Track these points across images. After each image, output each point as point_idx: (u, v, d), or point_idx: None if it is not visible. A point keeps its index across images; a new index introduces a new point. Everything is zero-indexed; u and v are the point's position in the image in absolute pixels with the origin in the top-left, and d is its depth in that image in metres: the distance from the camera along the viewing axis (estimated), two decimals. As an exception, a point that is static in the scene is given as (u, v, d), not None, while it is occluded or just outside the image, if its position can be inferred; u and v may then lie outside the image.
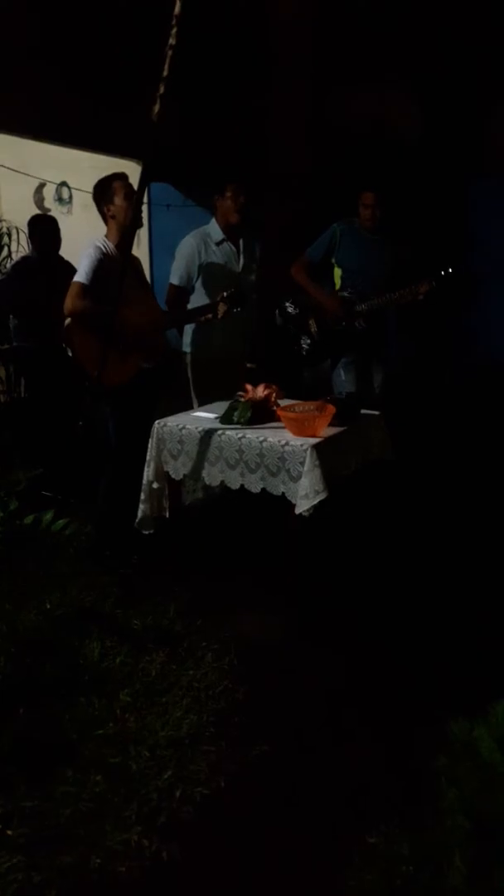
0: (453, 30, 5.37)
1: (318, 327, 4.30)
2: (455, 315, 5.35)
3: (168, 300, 4.01)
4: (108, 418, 3.51)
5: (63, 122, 4.97)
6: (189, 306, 3.96)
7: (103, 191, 3.44)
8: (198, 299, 3.94)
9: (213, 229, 3.99)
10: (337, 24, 5.43)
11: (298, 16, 5.40)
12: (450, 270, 3.95)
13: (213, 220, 4.01)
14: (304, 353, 4.40)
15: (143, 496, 3.36)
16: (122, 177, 3.47)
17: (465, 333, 5.59)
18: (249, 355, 4.36)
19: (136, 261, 3.65)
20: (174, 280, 4.00)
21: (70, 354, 3.54)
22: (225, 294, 3.65)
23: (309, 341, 4.34)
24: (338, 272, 4.32)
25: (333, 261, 4.30)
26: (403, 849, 1.70)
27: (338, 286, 4.31)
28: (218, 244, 3.97)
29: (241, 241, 4.04)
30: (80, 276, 3.34)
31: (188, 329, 4.05)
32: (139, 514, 3.37)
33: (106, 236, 3.46)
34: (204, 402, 3.89)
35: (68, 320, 3.38)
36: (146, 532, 3.38)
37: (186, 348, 4.07)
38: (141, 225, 3.20)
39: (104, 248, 3.39)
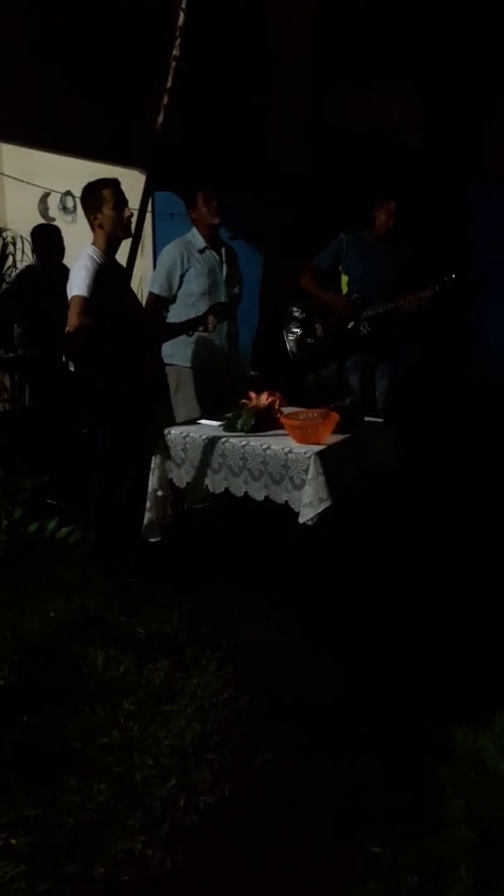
0: (453, 30, 5.38)
1: (324, 331, 4.31)
2: (459, 319, 5.36)
3: (146, 309, 3.97)
4: (101, 429, 3.46)
5: (66, 132, 4.99)
6: (172, 315, 3.94)
7: (91, 198, 3.29)
8: (181, 309, 3.91)
9: (195, 237, 3.94)
10: (337, 24, 5.44)
11: (298, 16, 5.42)
12: (453, 276, 3.96)
13: (194, 229, 3.96)
14: (309, 356, 4.41)
15: (147, 504, 3.36)
16: (112, 183, 3.31)
17: (469, 337, 5.58)
18: (252, 364, 4.37)
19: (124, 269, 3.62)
20: (154, 289, 3.96)
21: (72, 369, 3.47)
22: (212, 305, 3.66)
23: (314, 344, 4.35)
24: (344, 279, 4.35)
25: (341, 268, 4.32)
26: (407, 858, 1.69)
27: (344, 292, 4.33)
28: (200, 252, 3.93)
29: (223, 251, 4.01)
30: (79, 290, 3.19)
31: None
32: (145, 521, 3.37)
33: (94, 244, 3.33)
34: (185, 413, 3.89)
35: (68, 331, 3.25)
36: (152, 540, 3.38)
37: (168, 360, 4.05)
38: (136, 237, 3.13)
39: (97, 257, 3.28)
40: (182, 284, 3.91)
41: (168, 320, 3.94)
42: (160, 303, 3.96)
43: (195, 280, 3.89)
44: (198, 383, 3.95)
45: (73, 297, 3.20)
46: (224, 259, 3.99)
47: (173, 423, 3.65)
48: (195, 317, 3.73)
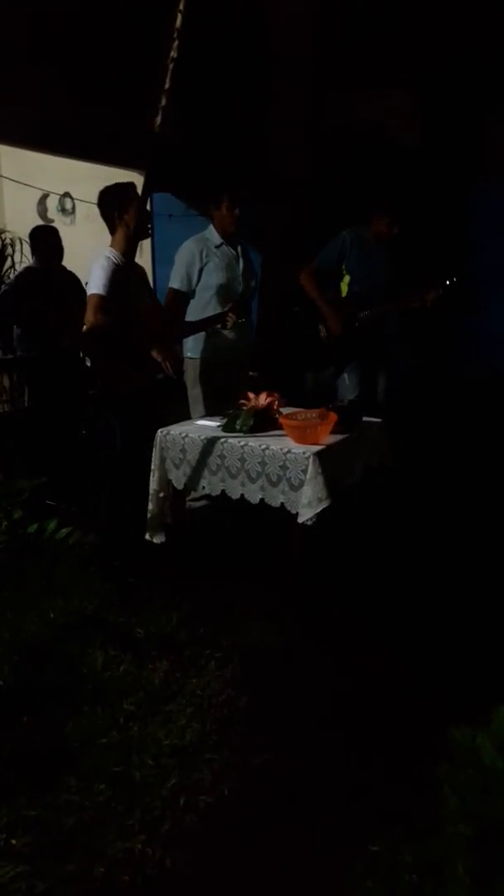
0: (453, 30, 5.38)
1: (328, 332, 4.31)
2: (459, 319, 5.36)
3: (167, 304, 4.02)
4: (115, 428, 3.51)
5: (65, 133, 5.00)
6: (190, 309, 4.00)
7: (120, 199, 3.40)
8: (199, 304, 3.97)
9: (212, 234, 4.03)
10: (337, 24, 5.45)
11: (298, 16, 5.43)
12: (454, 280, 3.97)
13: (211, 227, 4.05)
14: (311, 357, 4.42)
15: (150, 505, 3.37)
16: (134, 186, 3.45)
17: (469, 337, 5.59)
18: (251, 362, 4.38)
19: (142, 270, 3.67)
20: (174, 284, 4.02)
21: (88, 364, 3.52)
22: (231, 304, 3.71)
23: (319, 344, 4.36)
24: (346, 278, 4.34)
25: (343, 267, 4.32)
26: (406, 857, 1.69)
27: (344, 292, 4.33)
28: (217, 247, 4.01)
29: (238, 247, 4.07)
30: (97, 289, 3.27)
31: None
32: (147, 522, 3.37)
33: (113, 246, 3.43)
34: (201, 406, 3.92)
35: (86, 328, 3.33)
36: (156, 541, 3.38)
37: (188, 353, 4.09)
38: (148, 235, 3.21)
39: (114, 258, 3.37)
40: (201, 279, 3.96)
41: (185, 315, 4.00)
42: (180, 297, 4.00)
43: (213, 274, 3.96)
44: (211, 375, 4.00)
45: (91, 296, 3.29)
46: (240, 254, 4.05)
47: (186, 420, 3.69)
48: (215, 314, 3.79)
